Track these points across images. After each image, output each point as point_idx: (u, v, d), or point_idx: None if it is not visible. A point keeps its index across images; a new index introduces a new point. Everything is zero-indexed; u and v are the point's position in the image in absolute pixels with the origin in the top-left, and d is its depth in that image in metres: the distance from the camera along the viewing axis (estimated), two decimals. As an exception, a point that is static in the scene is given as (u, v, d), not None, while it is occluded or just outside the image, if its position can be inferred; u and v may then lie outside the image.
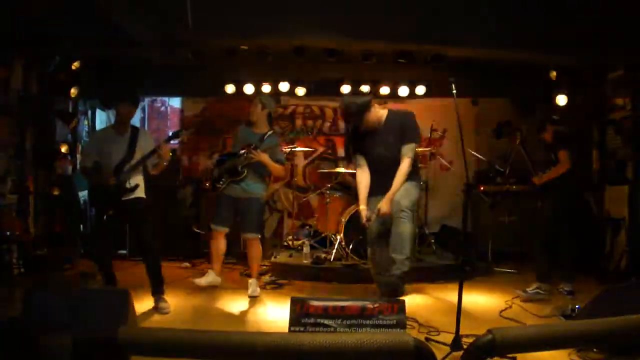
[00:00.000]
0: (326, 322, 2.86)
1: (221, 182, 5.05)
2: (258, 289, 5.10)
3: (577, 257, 5.10)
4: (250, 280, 5.12)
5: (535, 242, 5.26)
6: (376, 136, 4.56)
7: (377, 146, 4.55)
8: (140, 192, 4.59)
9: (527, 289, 5.01)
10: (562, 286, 5.05)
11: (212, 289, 5.25)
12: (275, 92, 7.44)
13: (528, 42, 5.47)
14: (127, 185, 4.47)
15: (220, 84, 7.36)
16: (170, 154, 4.74)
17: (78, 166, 7.00)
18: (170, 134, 4.97)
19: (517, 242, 6.38)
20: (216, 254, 5.21)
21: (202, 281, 5.19)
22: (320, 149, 8.05)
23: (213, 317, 4.46)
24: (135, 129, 4.63)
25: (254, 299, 4.95)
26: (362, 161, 4.66)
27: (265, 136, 5.07)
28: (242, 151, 4.99)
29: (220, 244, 5.15)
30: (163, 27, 5.29)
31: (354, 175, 6.68)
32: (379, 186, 4.53)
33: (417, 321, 4.13)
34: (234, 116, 7.67)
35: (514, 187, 6.48)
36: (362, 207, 4.60)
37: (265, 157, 4.93)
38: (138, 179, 4.56)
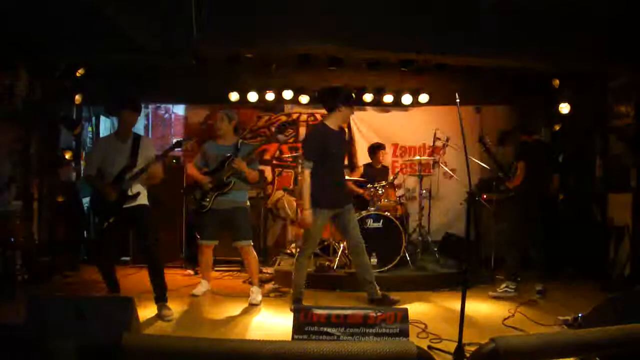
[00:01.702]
0: (329, 330, 2.85)
1: (207, 200, 5.06)
2: (260, 296, 5.11)
3: (521, 260, 5.41)
4: (252, 288, 5.13)
5: (503, 244, 5.53)
6: (341, 139, 4.79)
7: (343, 149, 4.81)
8: (143, 200, 4.61)
9: (497, 289, 5.30)
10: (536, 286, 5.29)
11: (215, 296, 5.33)
12: (279, 100, 7.47)
13: (531, 50, 5.49)
14: (129, 193, 4.49)
15: (224, 91, 7.39)
16: (161, 176, 4.74)
17: (82, 173, 7.03)
18: (171, 144, 4.99)
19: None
20: (206, 266, 5.38)
21: (199, 291, 5.32)
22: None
23: (216, 324, 4.46)
24: (137, 136, 4.65)
25: (257, 307, 4.96)
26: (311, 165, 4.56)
27: (239, 145, 5.12)
28: (225, 162, 5.01)
29: (209, 257, 5.34)
30: (167, 34, 5.32)
31: (356, 182, 6.71)
32: (336, 195, 4.69)
33: (424, 325, 4.19)
34: (238, 123, 7.68)
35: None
36: (310, 210, 4.53)
37: (245, 166, 4.97)
38: (140, 187, 4.58)
